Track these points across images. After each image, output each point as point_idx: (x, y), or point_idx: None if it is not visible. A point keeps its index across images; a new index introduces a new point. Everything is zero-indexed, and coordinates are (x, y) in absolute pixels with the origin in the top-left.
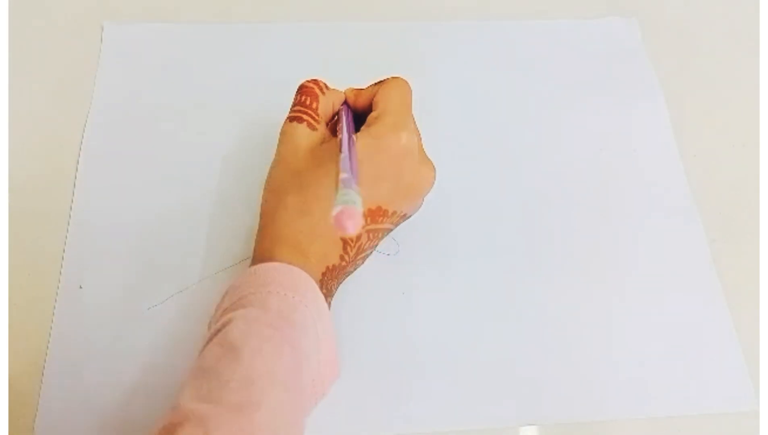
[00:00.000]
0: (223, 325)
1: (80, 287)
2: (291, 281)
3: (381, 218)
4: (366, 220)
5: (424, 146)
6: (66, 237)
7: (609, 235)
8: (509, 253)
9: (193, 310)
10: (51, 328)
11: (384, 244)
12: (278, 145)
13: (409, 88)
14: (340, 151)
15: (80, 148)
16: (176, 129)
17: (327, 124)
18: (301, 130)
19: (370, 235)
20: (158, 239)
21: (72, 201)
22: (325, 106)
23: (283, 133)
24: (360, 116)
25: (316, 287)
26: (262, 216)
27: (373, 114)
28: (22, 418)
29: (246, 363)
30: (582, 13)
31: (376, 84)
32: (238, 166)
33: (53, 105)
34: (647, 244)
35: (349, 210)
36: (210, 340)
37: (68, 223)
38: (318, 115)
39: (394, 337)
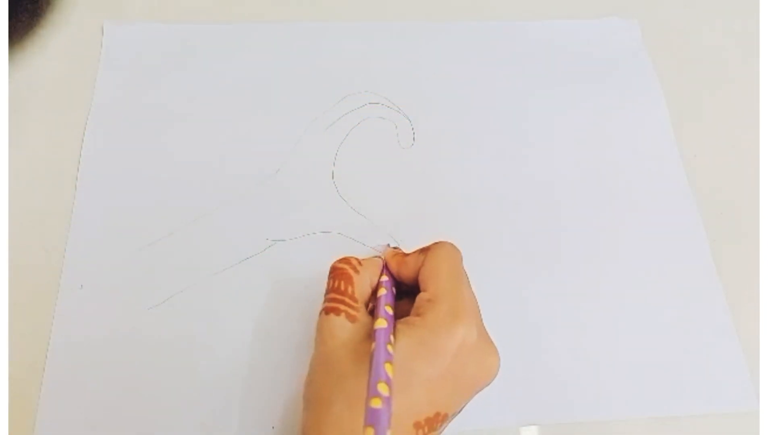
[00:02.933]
0: None
1: (81, 287)
2: None
3: (439, 424)
4: (423, 430)
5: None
6: (67, 237)
7: (609, 235)
8: (509, 253)
9: (193, 310)
10: (51, 328)
11: (384, 243)
12: (316, 342)
13: (459, 254)
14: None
15: (81, 148)
16: (177, 129)
17: (367, 306)
18: (339, 323)
19: None
20: (159, 239)
21: (73, 201)
22: (362, 286)
23: (319, 328)
24: (401, 284)
25: None
26: (305, 425)
27: (423, 295)
28: (22, 418)
29: None
30: (582, 13)
31: (421, 251)
32: (239, 167)
33: (53, 105)
34: (647, 244)
35: None
36: None
37: (69, 223)
38: (356, 301)
39: None
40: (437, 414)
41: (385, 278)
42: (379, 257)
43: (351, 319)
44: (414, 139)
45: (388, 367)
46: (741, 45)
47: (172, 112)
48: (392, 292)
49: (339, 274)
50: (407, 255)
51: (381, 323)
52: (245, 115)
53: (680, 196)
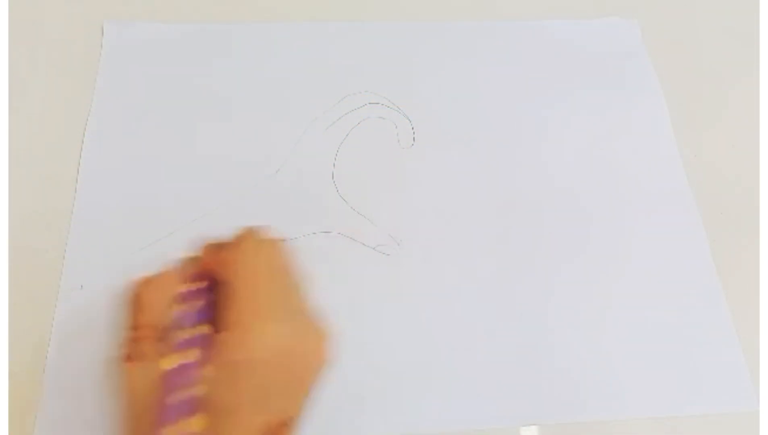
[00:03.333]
0: None
1: (80, 287)
2: None
3: (288, 429)
4: None
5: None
6: (67, 237)
7: (609, 235)
8: (509, 253)
9: None
10: (51, 328)
11: (383, 243)
12: (119, 394)
13: (266, 249)
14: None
15: (81, 148)
16: (176, 129)
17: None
18: (138, 373)
19: None
20: (159, 239)
21: (73, 201)
22: (158, 305)
23: (119, 379)
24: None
25: None
26: None
27: (223, 311)
28: (22, 418)
29: None
30: (582, 13)
31: (214, 246)
32: (239, 167)
33: (53, 105)
34: (647, 244)
35: None
36: None
37: (69, 223)
38: (155, 328)
39: (393, 337)
40: (280, 422)
41: (184, 289)
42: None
43: (151, 358)
44: (414, 139)
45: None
46: (741, 45)
47: (172, 112)
48: (206, 301)
49: (129, 301)
50: (223, 246)
51: (169, 363)
52: (245, 115)
53: (680, 196)
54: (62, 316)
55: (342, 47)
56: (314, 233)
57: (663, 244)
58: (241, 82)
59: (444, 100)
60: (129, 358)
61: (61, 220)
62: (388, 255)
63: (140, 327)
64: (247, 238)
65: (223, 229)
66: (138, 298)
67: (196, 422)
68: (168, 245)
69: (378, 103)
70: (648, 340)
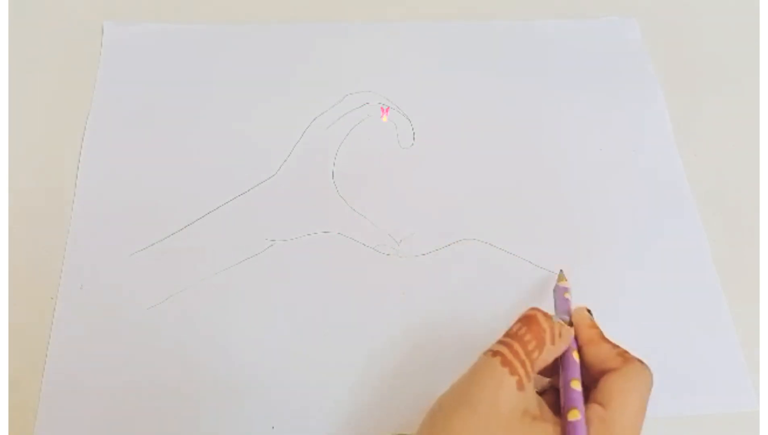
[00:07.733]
0: None
1: (80, 287)
2: None
3: None
4: None
5: None
6: (67, 237)
7: (608, 235)
8: (506, 253)
9: (193, 310)
10: (51, 328)
11: (383, 243)
12: (477, 383)
13: (650, 390)
14: None
15: (81, 148)
16: (176, 129)
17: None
18: (507, 385)
19: None
20: (159, 240)
21: (73, 201)
22: (548, 358)
23: (489, 373)
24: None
25: None
26: None
27: (598, 411)
28: (22, 418)
29: None
30: (582, 13)
31: (619, 351)
32: (239, 167)
33: (53, 105)
34: (647, 244)
35: None
36: None
37: (69, 223)
38: (534, 370)
39: (393, 336)
40: None
41: (575, 359)
42: (570, 332)
43: (520, 386)
44: (414, 139)
45: None
46: (741, 45)
47: (172, 112)
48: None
49: (536, 332)
50: (603, 338)
51: (575, 415)
52: (245, 115)
53: (680, 196)
54: (62, 316)
55: (342, 47)
56: (314, 233)
57: (662, 244)
58: (241, 82)
59: (444, 100)
60: (508, 366)
61: (60, 220)
62: (388, 255)
63: (530, 357)
64: (643, 370)
65: (223, 229)
66: (543, 339)
67: None
68: (168, 245)
69: (378, 103)
70: (647, 339)
